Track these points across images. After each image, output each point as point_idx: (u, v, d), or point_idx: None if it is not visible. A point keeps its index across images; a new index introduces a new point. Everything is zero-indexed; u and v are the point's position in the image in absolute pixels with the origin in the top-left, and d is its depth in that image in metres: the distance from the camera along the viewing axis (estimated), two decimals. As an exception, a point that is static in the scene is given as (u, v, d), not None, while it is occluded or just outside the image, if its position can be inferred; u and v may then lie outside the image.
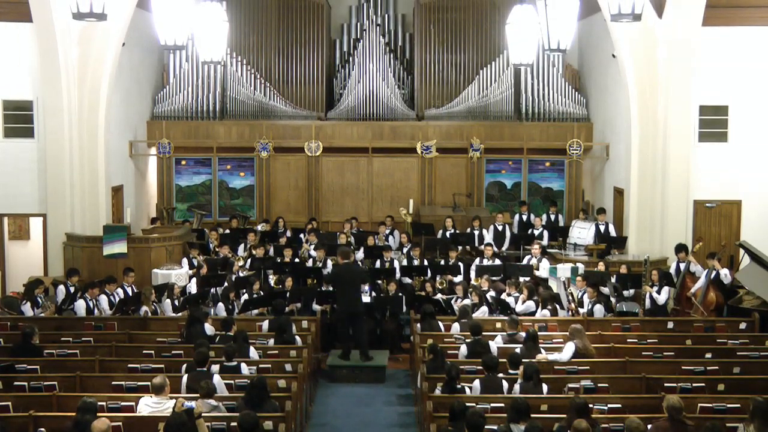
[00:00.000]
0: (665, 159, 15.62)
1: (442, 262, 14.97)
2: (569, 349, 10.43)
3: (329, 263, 14.86)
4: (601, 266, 14.20)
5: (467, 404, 8.22)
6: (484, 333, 11.00)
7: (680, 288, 13.68)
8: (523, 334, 10.83)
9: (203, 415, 7.96)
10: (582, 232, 16.24)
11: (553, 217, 17.77)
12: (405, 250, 15.95)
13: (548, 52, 13.07)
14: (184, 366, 9.81)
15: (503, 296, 13.31)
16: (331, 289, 13.71)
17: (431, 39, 20.17)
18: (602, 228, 16.17)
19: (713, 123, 16.02)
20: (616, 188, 17.70)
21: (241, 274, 14.33)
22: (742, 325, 12.25)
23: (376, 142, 19.53)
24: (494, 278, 14.24)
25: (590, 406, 8.17)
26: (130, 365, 10.33)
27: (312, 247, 15.64)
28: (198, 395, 8.54)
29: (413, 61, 20.50)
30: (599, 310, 12.76)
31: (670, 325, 12.33)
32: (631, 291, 13.84)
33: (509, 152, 19.45)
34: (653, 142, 15.73)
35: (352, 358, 12.36)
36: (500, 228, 16.92)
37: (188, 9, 11.22)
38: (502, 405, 8.68)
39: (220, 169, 19.58)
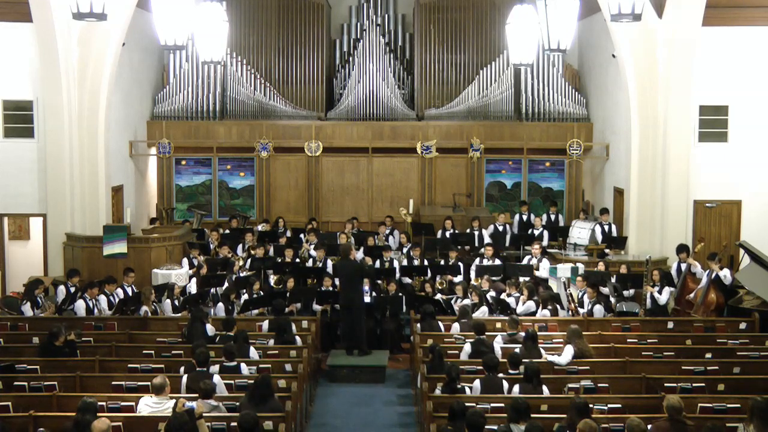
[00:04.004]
0: (665, 159, 15.62)
1: (442, 262, 14.96)
2: (568, 352, 10.43)
3: (329, 263, 14.87)
4: (601, 266, 14.19)
5: (467, 404, 8.23)
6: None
7: (681, 288, 13.67)
8: (524, 334, 10.83)
9: (204, 415, 7.96)
10: (582, 232, 16.23)
11: (553, 217, 17.77)
12: (405, 250, 15.95)
13: (548, 52, 13.07)
14: (183, 367, 9.81)
15: (503, 296, 13.31)
16: (331, 288, 13.75)
17: (431, 39, 20.17)
18: (606, 228, 16.18)
19: (713, 123, 16.02)
20: (616, 188, 17.70)
21: (241, 274, 14.33)
22: (742, 325, 12.26)
23: (376, 142, 19.53)
24: (494, 278, 14.24)
25: (590, 406, 8.16)
26: (130, 365, 10.33)
27: (312, 247, 15.64)
28: (198, 395, 8.54)
29: (413, 61, 20.51)
30: (599, 310, 12.76)
31: (670, 325, 12.33)
32: (631, 291, 13.84)
33: (509, 152, 19.45)
34: (653, 142, 15.73)
35: (354, 353, 12.41)
36: (501, 228, 16.92)
37: (188, 9, 11.21)
38: (502, 405, 8.68)
39: (220, 169, 19.59)
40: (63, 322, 11.50)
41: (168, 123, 19.44)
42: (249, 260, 15.06)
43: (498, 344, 10.88)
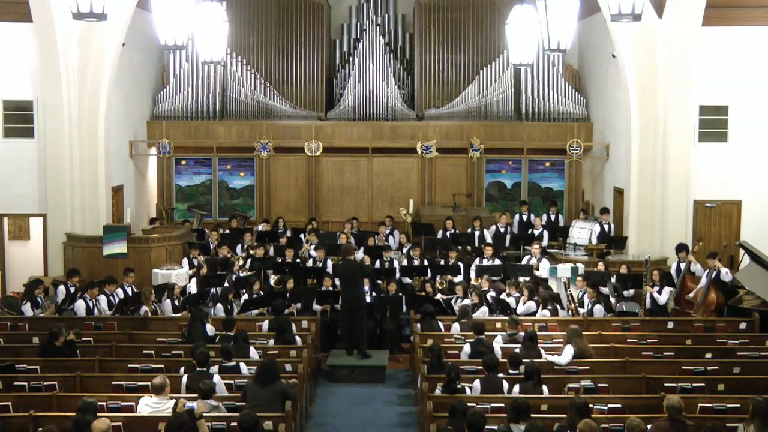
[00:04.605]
0: (665, 159, 15.62)
1: (442, 262, 14.96)
2: (568, 352, 10.43)
3: (329, 263, 14.87)
4: (601, 266, 14.19)
5: (467, 404, 8.23)
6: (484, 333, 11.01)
7: (680, 288, 13.68)
8: (523, 334, 10.83)
9: (203, 415, 7.97)
10: (582, 232, 16.24)
11: (553, 217, 17.77)
12: (405, 250, 15.95)
13: (548, 52, 13.07)
14: (183, 368, 9.81)
15: (503, 296, 13.31)
16: (331, 288, 13.77)
17: (431, 39, 20.17)
18: (606, 228, 16.21)
19: (713, 123, 16.02)
20: (616, 188, 17.70)
21: (241, 274, 14.33)
22: (742, 325, 12.26)
23: (376, 142, 19.53)
24: (494, 278, 14.24)
25: (590, 406, 8.17)
26: (130, 365, 10.33)
27: (312, 247, 15.64)
28: (198, 395, 8.54)
29: (413, 61, 20.51)
30: (599, 310, 12.76)
31: (670, 325, 12.33)
32: (631, 291, 13.84)
33: (509, 152, 19.45)
34: (653, 142, 15.73)
35: (354, 353, 12.41)
36: (502, 229, 16.92)
37: (188, 9, 11.21)
38: (502, 405, 8.68)
39: (220, 169, 19.58)
40: (63, 322, 11.50)
41: (168, 123, 19.44)
42: (249, 260, 15.06)
43: (498, 344, 10.89)
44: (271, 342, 11.34)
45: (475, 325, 10.86)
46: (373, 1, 20.81)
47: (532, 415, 7.98)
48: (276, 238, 16.42)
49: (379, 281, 14.40)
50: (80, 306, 12.78)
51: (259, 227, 17.42)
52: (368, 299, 13.26)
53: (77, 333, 10.95)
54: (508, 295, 13.33)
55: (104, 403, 8.69)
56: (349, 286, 12.46)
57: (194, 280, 14.31)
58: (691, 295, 13.36)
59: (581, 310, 12.80)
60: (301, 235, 16.69)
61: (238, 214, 18.38)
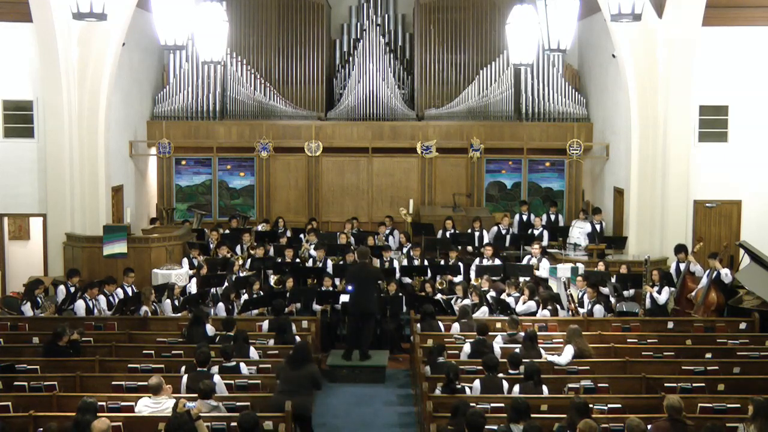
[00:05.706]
0: (665, 159, 15.63)
1: (442, 263, 14.97)
2: (568, 352, 10.43)
3: (329, 263, 14.87)
4: (601, 266, 14.20)
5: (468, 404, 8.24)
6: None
7: (680, 288, 13.67)
8: (523, 334, 10.84)
9: (202, 415, 7.97)
10: (582, 233, 16.26)
11: (553, 217, 17.76)
12: (405, 250, 15.95)
13: (548, 52, 13.06)
14: (183, 367, 9.81)
15: (503, 296, 13.31)
16: (331, 288, 13.76)
17: (431, 39, 20.17)
18: (597, 227, 16.21)
19: (713, 123, 16.03)
20: (616, 188, 17.70)
21: (241, 274, 14.33)
22: (742, 325, 12.26)
23: (376, 142, 19.53)
24: (494, 278, 14.24)
25: (590, 406, 8.17)
26: (130, 365, 10.33)
27: (312, 247, 15.64)
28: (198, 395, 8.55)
29: (413, 61, 20.51)
30: (599, 310, 12.76)
31: (670, 325, 12.34)
32: (631, 291, 13.84)
33: (509, 152, 19.45)
34: (653, 142, 15.74)
35: (353, 357, 12.39)
36: (504, 231, 16.91)
37: (188, 9, 11.21)
38: (502, 405, 8.69)
39: (220, 169, 19.58)
40: (65, 322, 11.50)
41: (168, 123, 19.44)
42: (249, 260, 15.06)
43: (498, 344, 10.89)
44: (271, 342, 11.35)
45: (479, 327, 10.84)
46: (373, 1, 20.81)
47: (532, 415, 7.99)
48: (276, 238, 16.42)
49: (380, 281, 14.38)
50: (80, 306, 12.78)
51: (259, 227, 17.41)
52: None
53: (81, 333, 10.96)
54: (508, 295, 13.33)
55: (104, 403, 8.70)
56: (361, 290, 12.36)
57: (194, 280, 14.31)
58: (692, 294, 13.36)
59: (581, 310, 12.80)
60: (301, 235, 16.69)
61: (238, 214, 18.38)
